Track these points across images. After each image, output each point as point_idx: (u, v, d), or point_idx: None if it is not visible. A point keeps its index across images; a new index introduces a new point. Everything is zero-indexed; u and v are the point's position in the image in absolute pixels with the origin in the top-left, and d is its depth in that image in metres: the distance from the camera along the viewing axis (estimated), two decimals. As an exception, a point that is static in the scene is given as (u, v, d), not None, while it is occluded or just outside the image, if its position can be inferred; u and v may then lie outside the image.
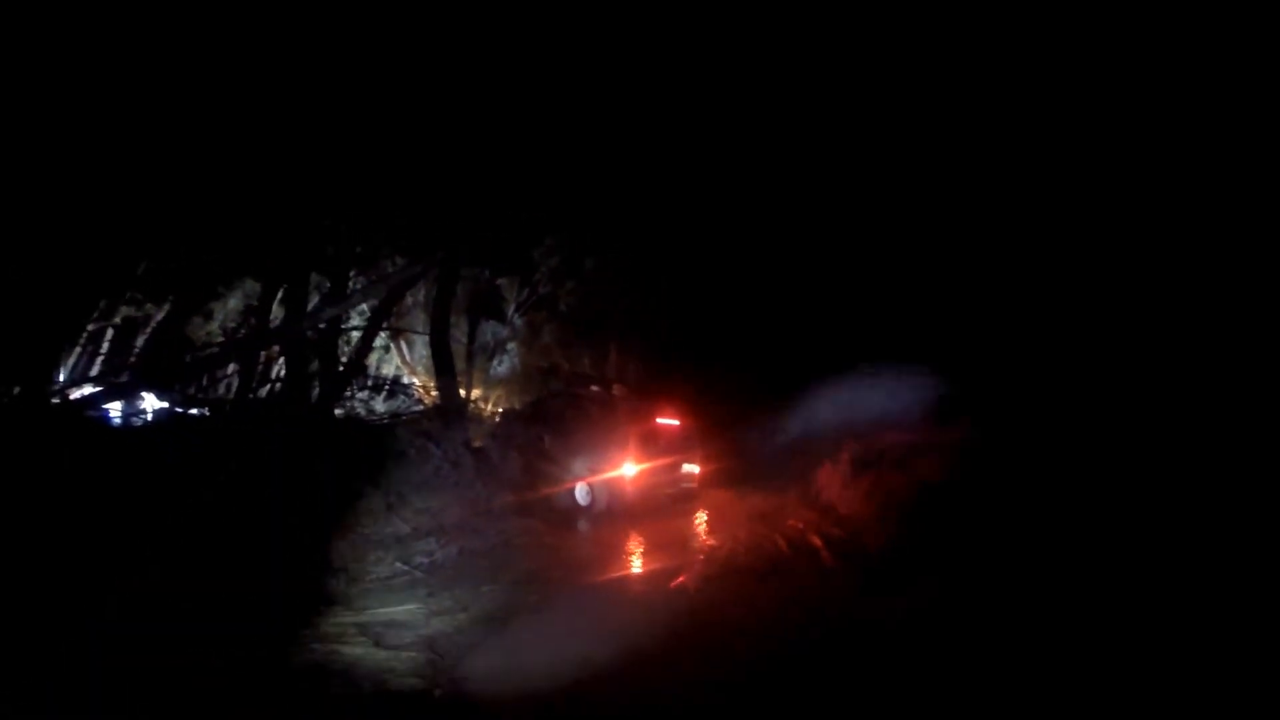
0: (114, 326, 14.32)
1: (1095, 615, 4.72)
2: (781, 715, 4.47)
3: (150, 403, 12.85)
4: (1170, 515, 5.49)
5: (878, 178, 13.25)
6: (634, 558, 8.68)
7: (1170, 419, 6.82)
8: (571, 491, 10.71)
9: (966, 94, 11.74)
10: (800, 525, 8.44)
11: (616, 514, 10.32)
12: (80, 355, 14.53)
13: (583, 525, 10.20)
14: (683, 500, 11.03)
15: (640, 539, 9.23)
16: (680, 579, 7.27)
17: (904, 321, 12.66)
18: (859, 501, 8.16)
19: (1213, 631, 4.24)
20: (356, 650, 5.39)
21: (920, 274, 12.89)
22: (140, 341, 14.71)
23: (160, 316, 14.05)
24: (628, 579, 7.89)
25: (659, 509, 10.50)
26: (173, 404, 13.06)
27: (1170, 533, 5.33)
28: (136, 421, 12.29)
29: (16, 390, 8.74)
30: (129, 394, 11.98)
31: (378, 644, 5.56)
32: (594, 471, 10.67)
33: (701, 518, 10.22)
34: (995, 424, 8.11)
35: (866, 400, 11.86)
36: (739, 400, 14.03)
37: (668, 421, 11.59)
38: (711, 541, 8.91)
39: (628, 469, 10.53)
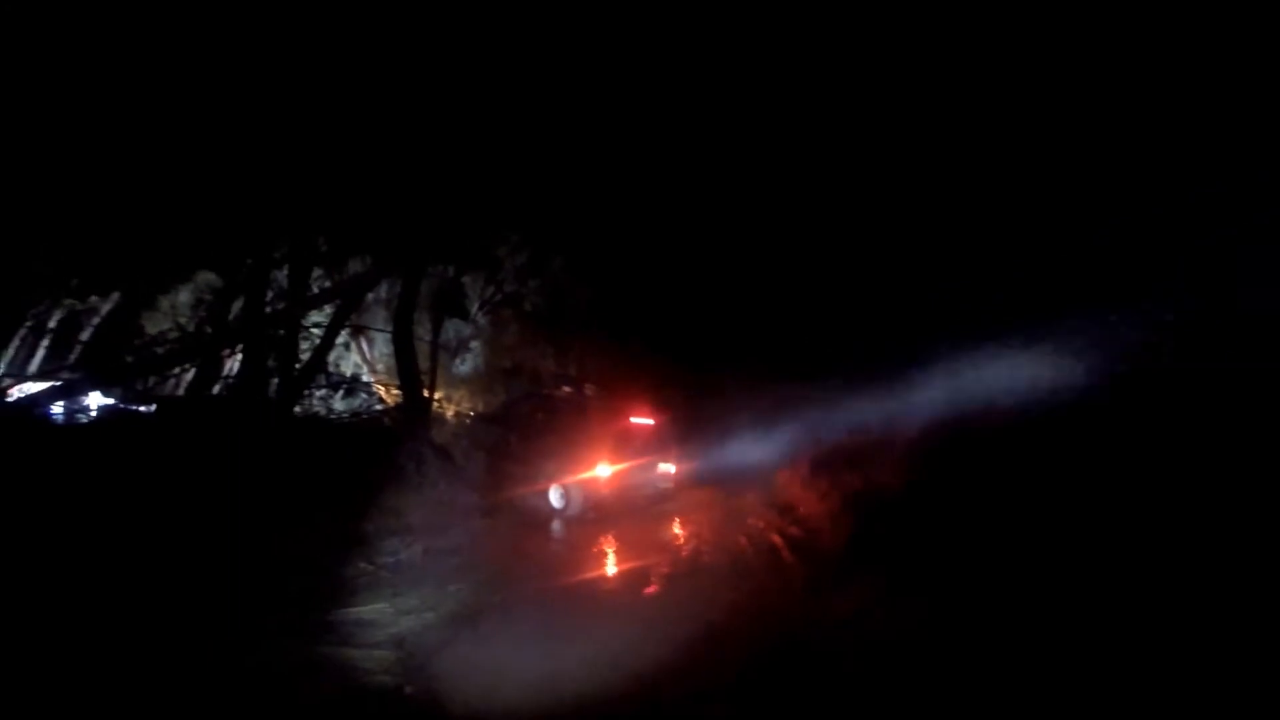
0: (58, 319, 13.76)
1: (1043, 616, 4.89)
2: (739, 713, 4.59)
3: (94, 399, 12.41)
4: (1133, 518, 5.65)
5: (846, 173, 13.07)
6: (602, 559, 8.75)
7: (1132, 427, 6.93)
8: (545, 494, 10.69)
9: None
10: (762, 525, 8.65)
11: (591, 516, 10.32)
12: (19, 348, 13.92)
13: (557, 527, 10.21)
14: (659, 501, 10.99)
15: (610, 540, 9.28)
16: (652, 585, 7.36)
17: (874, 323, 12.48)
18: (816, 501, 8.40)
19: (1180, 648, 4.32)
20: (326, 649, 5.37)
21: (892, 276, 12.68)
22: (85, 334, 14.16)
23: (107, 309, 13.55)
24: (596, 580, 7.95)
25: (634, 510, 10.49)
26: (119, 401, 12.64)
27: (1132, 536, 5.48)
28: (81, 419, 11.86)
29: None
30: (76, 392, 11.54)
31: (347, 643, 5.55)
32: (568, 473, 10.64)
33: (674, 518, 10.23)
34: (952, 426, 8.38)
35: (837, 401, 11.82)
36: (717, 397, 14.02)
37: (642, 421, 11.60)
38: (680, 541, 9.03)
39: (602, 470, 10.53)
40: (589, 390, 15.19)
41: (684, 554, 8.40)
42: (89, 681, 4.35)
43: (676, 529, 9.70)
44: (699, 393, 14.24)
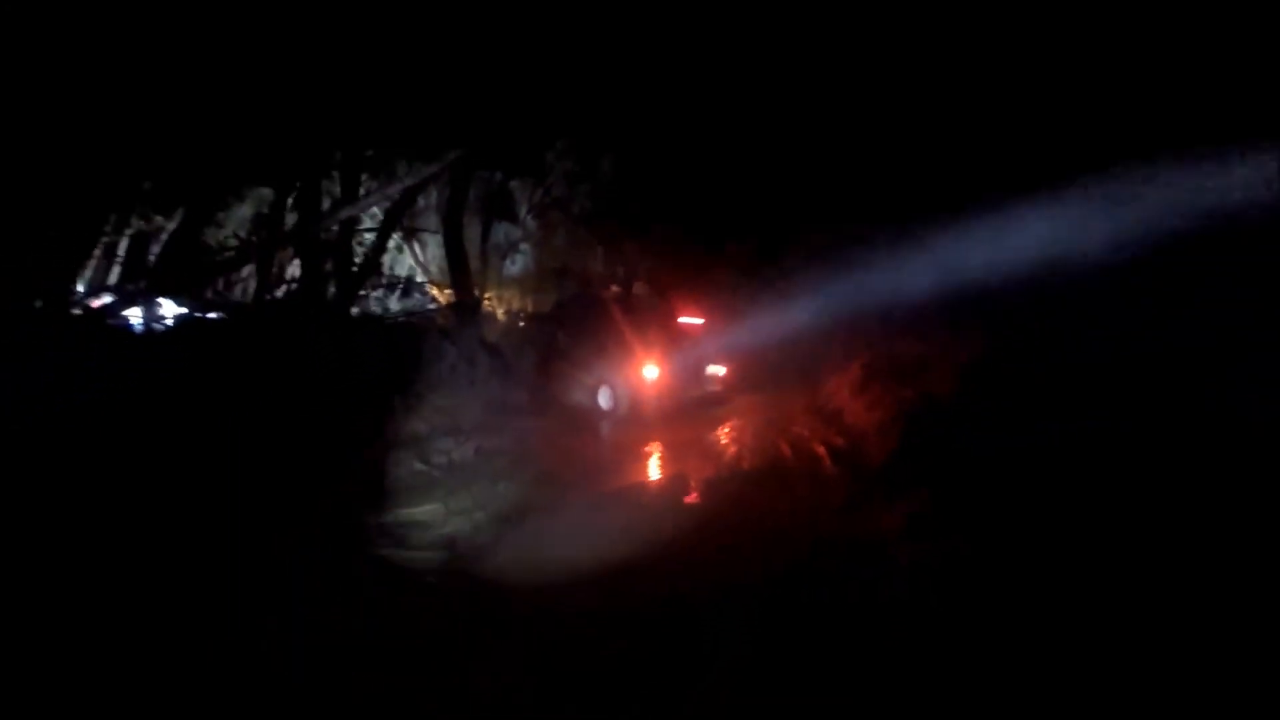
0: (129, 238, 14.39)
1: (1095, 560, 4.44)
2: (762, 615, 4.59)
3: (169, 308, 13.05)
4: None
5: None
6: (646, 461, 8.90)
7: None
8: (593, 394, 10.72)
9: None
10: (807, 433, 8.55)
11: (638, 417, 10.37)
12: (97, 267, 14.74)
13: (604, 428, 10.29)
14: (707, 404, 10.85)
15: (655, 442, 9.34)
16: (693, 492, 7.40)
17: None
18: (864, 411, 8.18)
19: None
20: (382, 552, 5.70)
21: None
22: (156, 250, 14.78)
23: (173, 226, 14.02)
24: (639, 482, 8.12)
25: (682, 412, 10.42)
26: (191, 309, 13.24)
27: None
28: (158, 327, 12.52)
29: (39, 303, 8.88)
30: (146, 301, 12.15)
31: (402, 544, 5.88)
32: (616, 374, 10.59)
33: (721, 422, 10.11)
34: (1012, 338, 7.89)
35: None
36: (770, 297, 13.52)
37: (692, 321, 11.38)
38: (724, 447, 9.04)
39: (649, 371, 10.43)
40: (639, 290, 15.02)
41: (727, 460, 8.45)
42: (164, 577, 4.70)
43: (722, 434, 9.71)
44: (752, 292, 13.82)
